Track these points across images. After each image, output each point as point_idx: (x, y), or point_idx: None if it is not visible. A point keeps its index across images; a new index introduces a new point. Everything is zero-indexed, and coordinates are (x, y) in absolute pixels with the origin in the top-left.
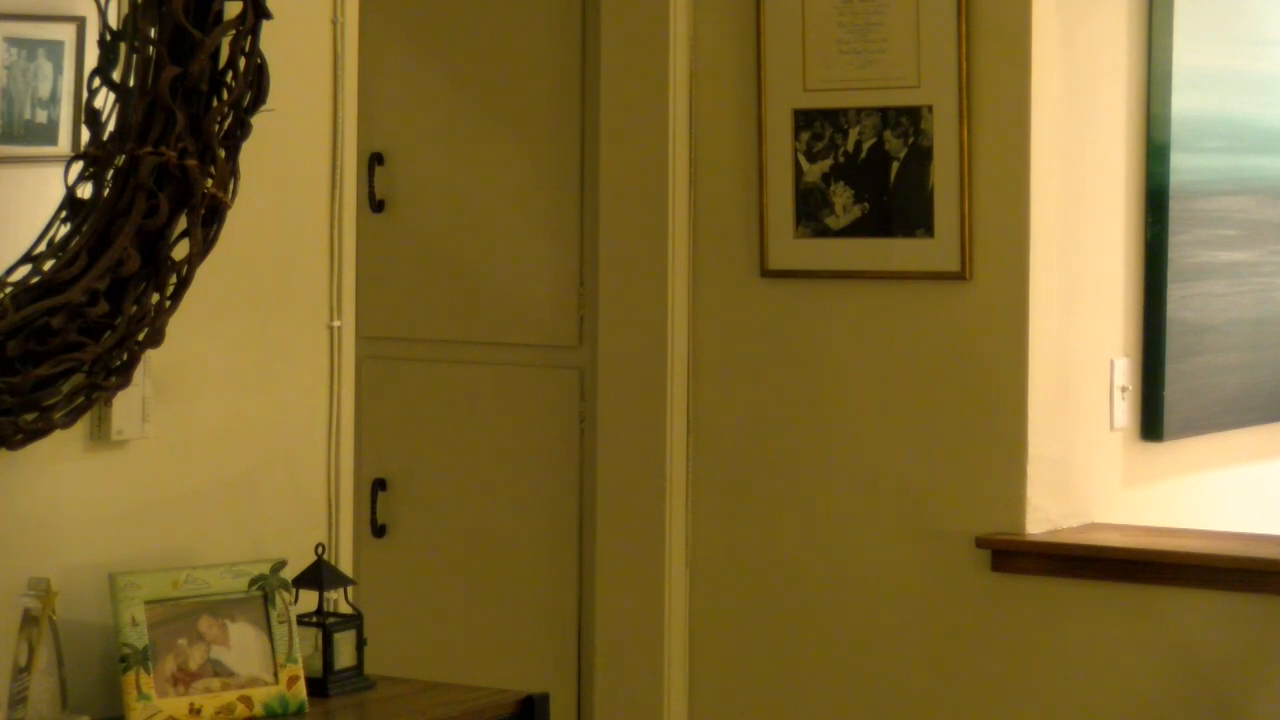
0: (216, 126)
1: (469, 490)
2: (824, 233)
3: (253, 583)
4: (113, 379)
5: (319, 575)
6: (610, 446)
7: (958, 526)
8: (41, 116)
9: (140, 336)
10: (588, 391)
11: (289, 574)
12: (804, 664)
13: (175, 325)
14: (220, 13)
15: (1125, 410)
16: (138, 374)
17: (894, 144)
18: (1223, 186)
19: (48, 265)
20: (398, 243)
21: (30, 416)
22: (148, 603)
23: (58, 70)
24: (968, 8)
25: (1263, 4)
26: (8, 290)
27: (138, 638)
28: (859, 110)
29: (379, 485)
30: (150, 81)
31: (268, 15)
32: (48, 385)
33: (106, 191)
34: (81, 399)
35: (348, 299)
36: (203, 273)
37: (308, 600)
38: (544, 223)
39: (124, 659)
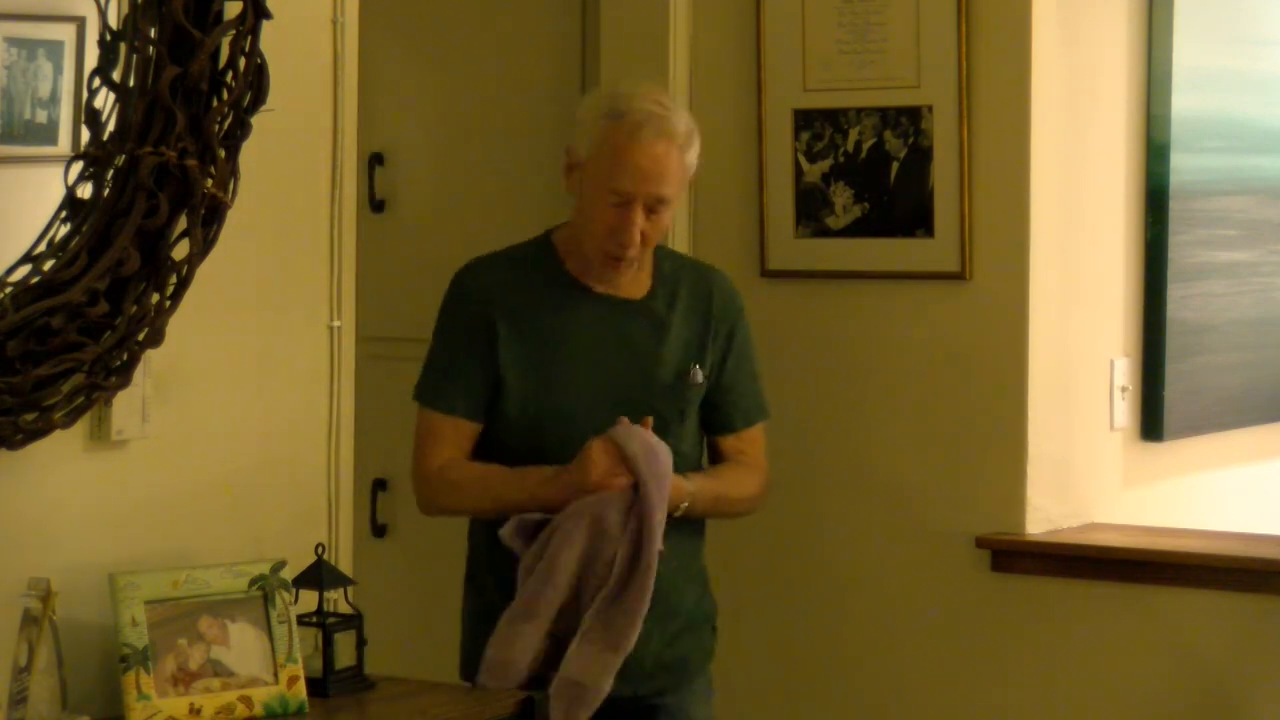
0: (216, 126)
1: None
2: (824, 233)
3: (253, 583)
4: (113, 379)
5: (319, 575)
6: None
7: (958, 526)
8: (41, 116)
9: (140, 336)
10: None
11: (289, 574)
12: (804, 663)
13: (175, 325)
14: (220, 13)
15: (1125, 410)
16: (138, 374)
17: (894, 144)
18: (1223, 186)
19: (48, 265)
20: (398, 243)
21: (30, 416)
22: (148, 603)
23: (58, 70)
24: (968, 8)
25: (1263, 4)
26: (8, 290)
27: (138, 638)
28: (859, 110)
29: (379, 485)
30: (150, 81)
31: (268, 15)
32: (48, 385)
33: (106, 191)
34: (81, 399)
35: (348, 299)
36: (203, 273)
37: (308, 600)
38: (544, 223)
39: (124, 659)
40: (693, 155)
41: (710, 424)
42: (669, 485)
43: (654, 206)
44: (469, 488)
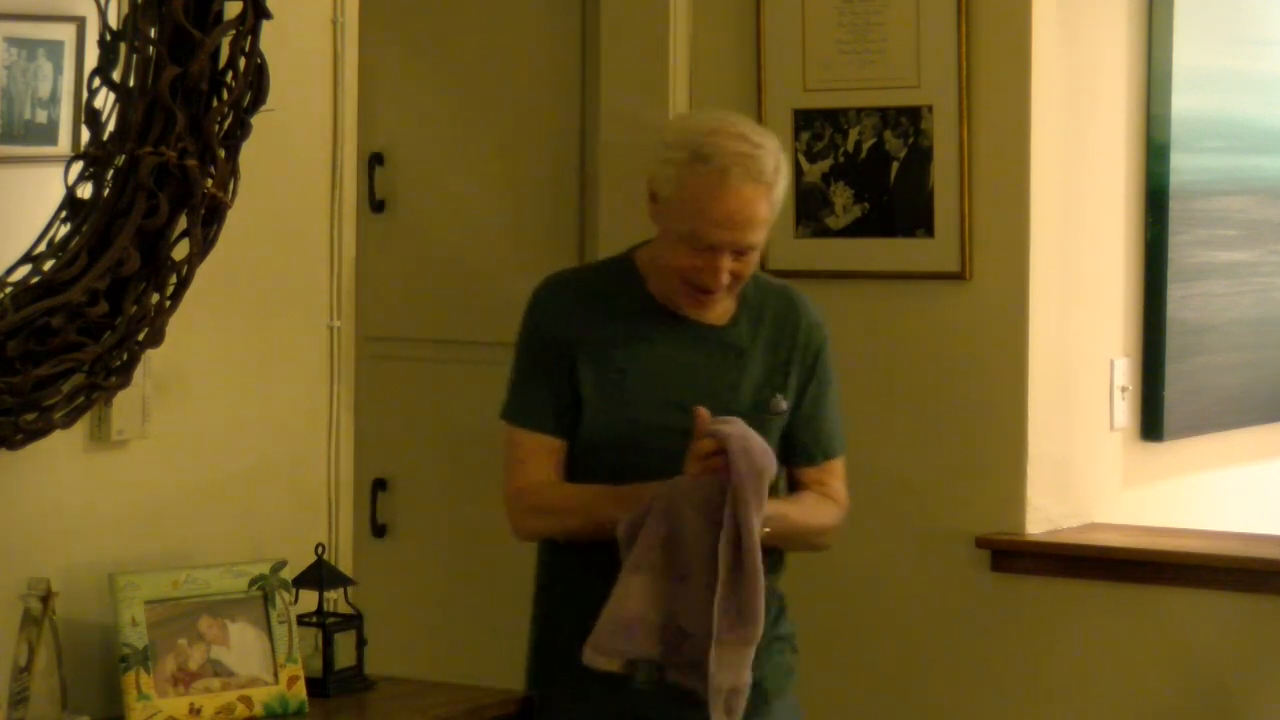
0: (216, 126)
1: (469, 490)
2: (824, 233)
3: (253, 583)
4: (113, 379)
5: (319, 575)
6: None
7: (958, 526)
8: (41, 116)
9: (140, 336)
10: None
11: (289, 574)
12: (803, 663)
13: (175, 325)
14: (220, 13)
15: (1125, 410)
16: (138, 374)
17: (894, 144)
18: (1223, 186)
19: (48, 265)
20: (398, 243)
21: (30, 416)
22: (148, 603)
23: (58, 70)
24: (968, 8)
25: (1263, 4)
26: (8, 290)
27: (138, 638)
28: (859, 110)
29: (379, 485)
30: (150, 81)
31: (268, 15)
32: (48, 385)
33: (106, 191)
34: (81, 399)
35: (348, 299)
36: (203, 273)
37: (308, 600)
38: (544, 223)
39: (124, 659)
40: (781, 188)
41: (790, 455)
42: (766, 483)
43: (743, 251)
44: (558, 508)
